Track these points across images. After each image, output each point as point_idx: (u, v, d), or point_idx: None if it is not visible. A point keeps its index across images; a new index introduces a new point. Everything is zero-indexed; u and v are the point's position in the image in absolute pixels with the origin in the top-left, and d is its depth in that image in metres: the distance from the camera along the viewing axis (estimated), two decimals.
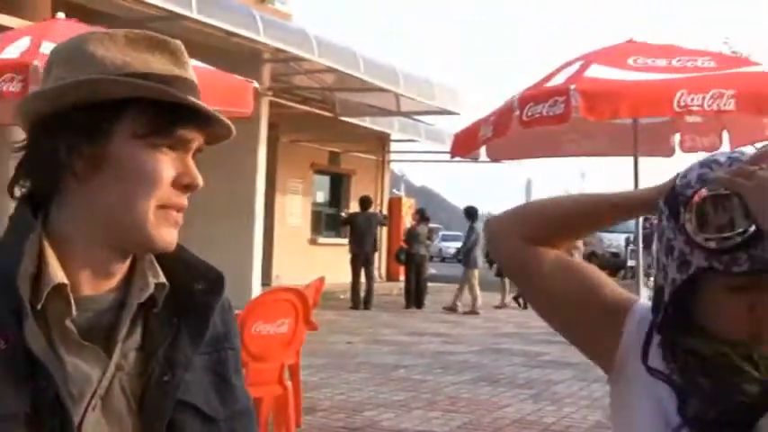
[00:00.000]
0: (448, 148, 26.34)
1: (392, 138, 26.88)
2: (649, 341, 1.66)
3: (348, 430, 7.83)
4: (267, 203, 17.14)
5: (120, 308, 1.43)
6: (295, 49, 15.45)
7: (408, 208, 27.22)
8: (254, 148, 15.51)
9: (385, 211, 25.47)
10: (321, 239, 24.19)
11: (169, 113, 1.39)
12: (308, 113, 20.72)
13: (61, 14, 7.69)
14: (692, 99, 6.25)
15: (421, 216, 21.65)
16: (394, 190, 31.07)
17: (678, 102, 6.26)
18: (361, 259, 19.31)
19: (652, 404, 1.64)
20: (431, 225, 22.71)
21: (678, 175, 1.64)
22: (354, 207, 22.16)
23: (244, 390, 1.59)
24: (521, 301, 20.30)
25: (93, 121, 1.37)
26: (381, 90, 18.44)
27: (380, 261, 24.42)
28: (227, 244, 14.05)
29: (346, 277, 19.42)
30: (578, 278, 1.79)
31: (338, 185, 26.24)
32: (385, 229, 23.90)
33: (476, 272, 20.09)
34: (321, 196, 25.67)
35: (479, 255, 20.22)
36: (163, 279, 1.47)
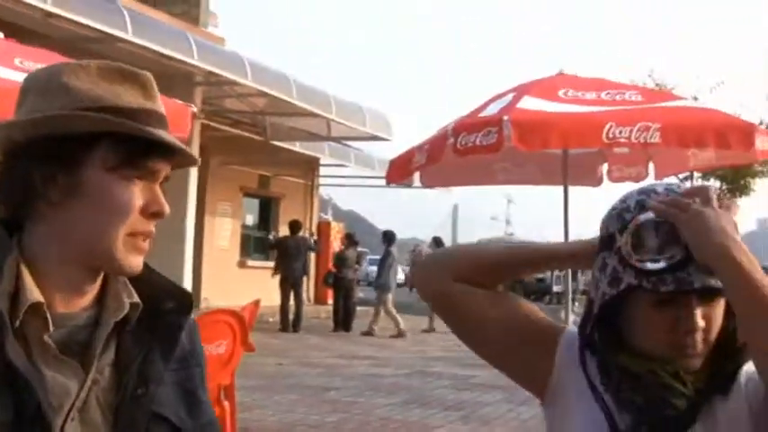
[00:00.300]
0: (377, 173, 26.59)
1: (322, 162, 26.94)
2: (584, 353, 1.77)
3: None
4: (196, 226, 17.09)
5: (94, 325, 1.52)
6: (228, 72, 15.50)
7: (337, 232, 27.29)
8: (186, 170, 15.42)
9: (314, 236, 25.52)
10: (250, 262, 24.12)
11: (140, 147, 1.48)
12: (238, 136, 20.73)
13: (0, 34, 7.69)
14: (620, 131, 6.49)
15: (350, 240, 21.75)
16: (321, 214, 31.10)
17: (607, 134, 6.49)
18: (290, 282, 19.34)
19: (586, 424, 1.75)
20: (359, 249, 22.85)
21: (618, 200, 1.78)
22: (283, 231, 22.17)
23: (209, 404, 1.69)
24: None
25: (66, 153, 1.45)
26: (313, 115, 18.57)
27: (309, 284, 24.44)
28: (157, 266, 13.92)
29: (275, 300, 19.41)
30: (509, 309, 1.88)
31: (267, 209, 26.19)
32: (314, 253, 23.96)
33: (389, 296, 20.27)
34: (250, 219, 25.58)
35: (393, 279, 20.37)
36: (137, 299, 1.56)
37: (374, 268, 49.87)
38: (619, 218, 1.72)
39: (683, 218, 1.62)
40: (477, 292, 1.85)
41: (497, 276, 1.89)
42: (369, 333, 19.80)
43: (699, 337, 1.66)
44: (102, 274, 1.55)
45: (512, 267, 1.91)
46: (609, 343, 1.74)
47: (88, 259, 1.50)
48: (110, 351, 1.53)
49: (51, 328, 1.45)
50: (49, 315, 1.45)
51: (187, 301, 1.63)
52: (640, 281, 1.64)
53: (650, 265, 1.63)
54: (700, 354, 1.68)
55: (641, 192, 1.74)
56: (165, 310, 1.59)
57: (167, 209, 1.53)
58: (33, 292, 1.44)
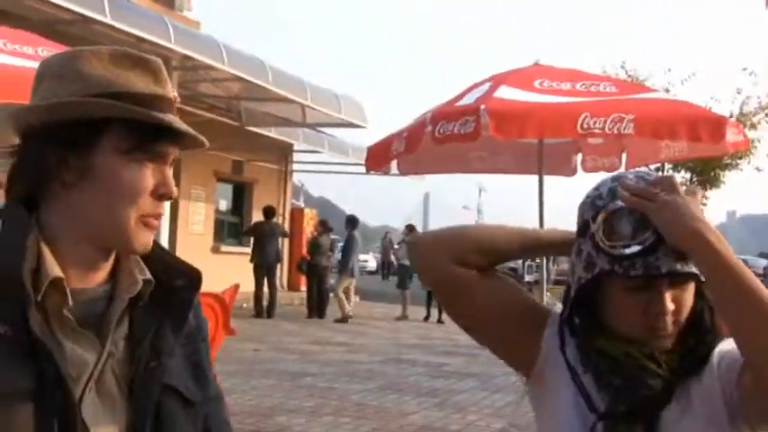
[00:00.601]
0: (351, 160, 26.52)
1: (296, 148, 26.91)
2: (563, 335, 1.87)
3: None
4: (171, 211, 17.08)
5: (108, 300, 1.60)
6: (205, 57, 15.49)
7: (310, 219, 27.29)
8: None
9: (287, 222, 25.56)
10: (224, 248, 24.07)
11: (150, 132, 1.55)
12: (212, 121, 20.69)
13: None
14: (595, 122, 6.60)
15: (324, 227, 21.79)
16: (293, 200, 31.06)
17: (581, 124, 6.59)
18: (264, 268, 19.36)
19: (569, 404, 1.85)
20: (332, 236, 22.94)
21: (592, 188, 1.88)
22: (257, 216, 22.15)
23: (214, 378, 1.78)
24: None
25: (78, 137, 1.53)
26: (288, 101, 18.58)
27: (282, 271, 24.45)
28: None
29: (249, 286, 19.40)
30: (503, 290, 1.97)
31: (241, 194, 26.09)
32: (287, 240, 23.98)
33: (350, 280, 20.45)
34: (224, 204, 25.50)
35: (356, 263, 20.53)
36: (149, 276, 1.63)
37: None
38: (592, 205, 1.81)
39: (652, 207, 1.72)
40: (475, 274, 1.93)
41: (495, 259, 1.97)
42: (343, 320, 19.88)
43: (669, 319, 1.76)
44: (114, 252, 1.63)
45: (510, 252, 1.98)
46: (587, 326, 1.85)
47: (101, 239, 1.57)
48: (123, 325, 1.61)
49: (70, 303, 1.52)
50: (68, 290, 1.52)
51: (196, 279, 1.70)
52: (612, 266, 1.74)
53: (621, 251, 1.73)
54: (670, 335, 1.78)
55: (614, 179, 1.83)
56: (176, 286, 1.67)
57: (176, 191, 1.60)
58: (54, 269, 1.51)
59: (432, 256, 1.98)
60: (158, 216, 1.60)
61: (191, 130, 1.61)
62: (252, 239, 20.13)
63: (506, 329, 1.96)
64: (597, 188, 1.85)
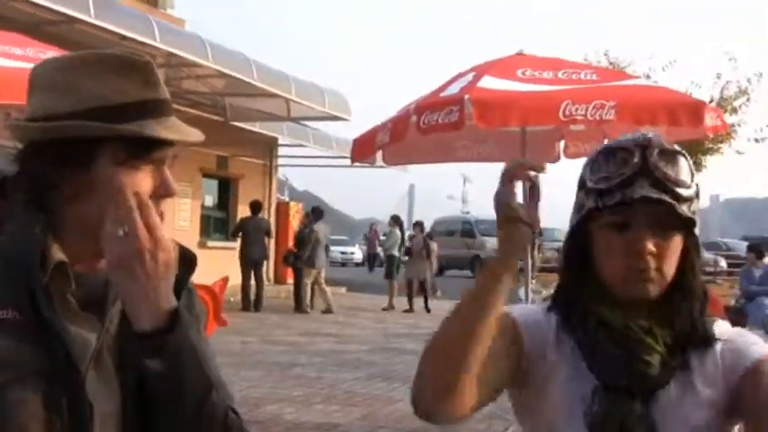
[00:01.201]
0: (335, 153, 26.58)
1: (280, 142, 26.98)
2: (565, 309, 1.91)
3: (253, 423, 8.08)
4: None
5: (107, 283, 1.66)
6: (189, 54, 15.57)
7: (296, 212, 27.39)
8: None
9: (273, 216, 25.62)
10: (210, 243, 24.13)
11: (143, 142, 1.60)
12: (197, 117, 20.74)
13: None
14: (576, 109, 6.71)
15: (309, 220, 21.87)
16: (278, 194, 31.13)
17: (563, 111, 6.70)
18: (251, 262, 19.45)
19: (564, 381, 1.88)
20: None
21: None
22: (243, 211, 22.20)
23: (213, 355, 1.84)
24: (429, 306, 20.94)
25: (75, 155, 1.59)
26: (273, 95, 18.66)
27: (268, 264, 24.53)
28: None
29: (236, 280, 19.47)
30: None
31: (226, 189, 26.18)
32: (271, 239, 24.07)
33: (313, 272, 20.30)
34: (210, 200, 25.58)
35: (320, 255, 20.47)
36: None
37: (333, 248, 49.68)
38: (588, 162, 1.92)
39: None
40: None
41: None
42: (328, 311, 19.97)
43: (650, 261, 1.82)
44: None
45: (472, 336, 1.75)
46: (581, 286, 1.90)
47: None
48: (119, 302, 1.66)
49: (73, 286, 1.60)
50: (71, 274, 1.59)
51: (191, 261, 1.79)
52: (596, 202, 1.84)
53: (603, 185, 1.83)
54: (652, 280, 1.83)
55: (610, 142, 1.94)
56: None
57: (174, 189, 1.67)
58: (58, 254, 1.59)
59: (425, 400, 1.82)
60: (160, 215, 1.65)
61: (183, 135, 1.65)
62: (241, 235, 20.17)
63: (502, 374, 1.89)
64: (596, 151, 1.94)
